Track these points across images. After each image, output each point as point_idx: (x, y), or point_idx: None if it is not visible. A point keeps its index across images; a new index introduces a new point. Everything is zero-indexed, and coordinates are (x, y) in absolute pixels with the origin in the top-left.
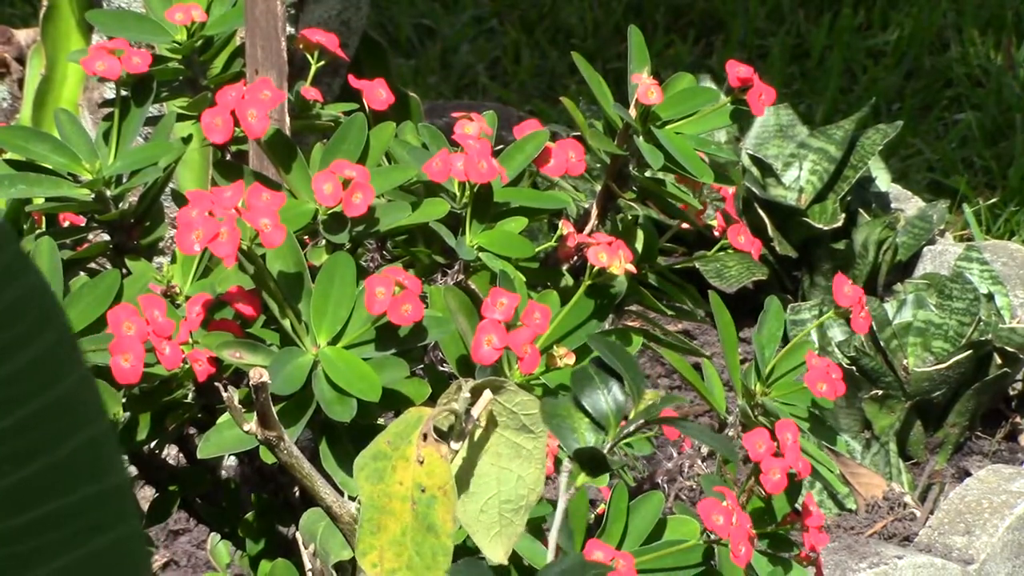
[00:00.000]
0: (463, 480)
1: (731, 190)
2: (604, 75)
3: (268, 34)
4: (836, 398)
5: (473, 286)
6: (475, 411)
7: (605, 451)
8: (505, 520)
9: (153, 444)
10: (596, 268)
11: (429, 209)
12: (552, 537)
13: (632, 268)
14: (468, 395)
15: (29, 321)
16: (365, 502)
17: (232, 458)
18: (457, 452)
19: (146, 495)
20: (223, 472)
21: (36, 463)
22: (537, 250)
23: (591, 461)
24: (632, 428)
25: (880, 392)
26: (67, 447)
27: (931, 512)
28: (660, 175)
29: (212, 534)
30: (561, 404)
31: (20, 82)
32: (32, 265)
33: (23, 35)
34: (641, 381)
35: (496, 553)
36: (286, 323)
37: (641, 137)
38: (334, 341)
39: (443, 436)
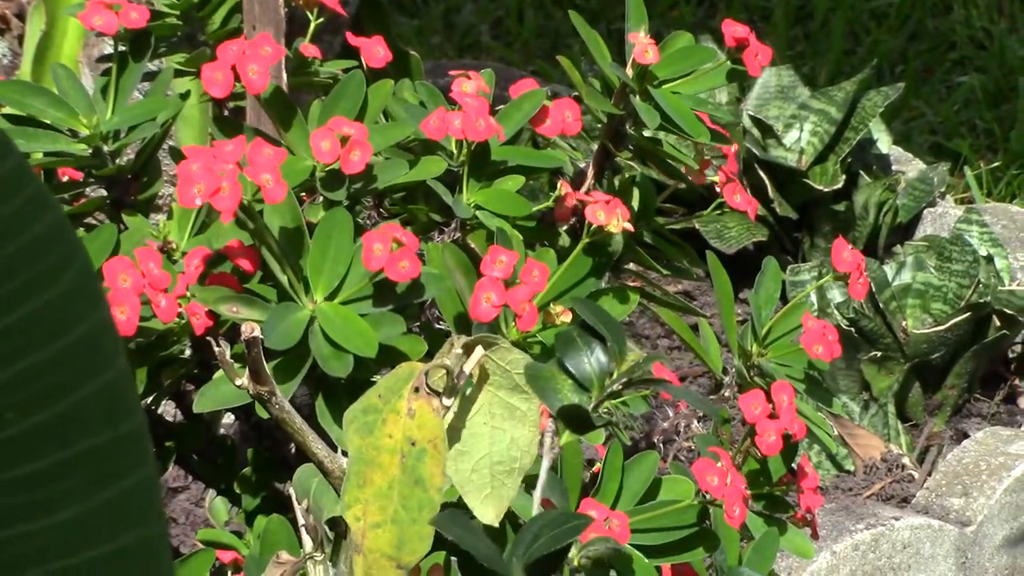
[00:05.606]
0: (456, 438)
1: (733, 148)
2: (608, 36)
3: None
4: (833, 359)
5: (472, 244)
6: (467, 367)
7: (589, 409)
8: (497, 482)
9: (150, 400)
10: (594, 226)
11: (426, 167)
12: (537, 494)
13: (630, 227)
14: (460, 351)
15: (52, 259)
16: (353, 455)
17: (231, 415)
18: (449, 408)
19: None
20: (221, 429)
21: (53, 408)
22: (535, 209)
23: (575, 419)
24: (615, 388)
25: (879, 354)
26: (85, 391)
27: (929, 474)
28: (657, 135)
29: (209, 491)
30: (544, 366)
31: (20, 38)
32: (54, 202)
33: None
34: (623, 342)
35: (487, 514)
36: (283, 279)
37: (637, 96)
38: (331, 297)
39: (436, 394)
